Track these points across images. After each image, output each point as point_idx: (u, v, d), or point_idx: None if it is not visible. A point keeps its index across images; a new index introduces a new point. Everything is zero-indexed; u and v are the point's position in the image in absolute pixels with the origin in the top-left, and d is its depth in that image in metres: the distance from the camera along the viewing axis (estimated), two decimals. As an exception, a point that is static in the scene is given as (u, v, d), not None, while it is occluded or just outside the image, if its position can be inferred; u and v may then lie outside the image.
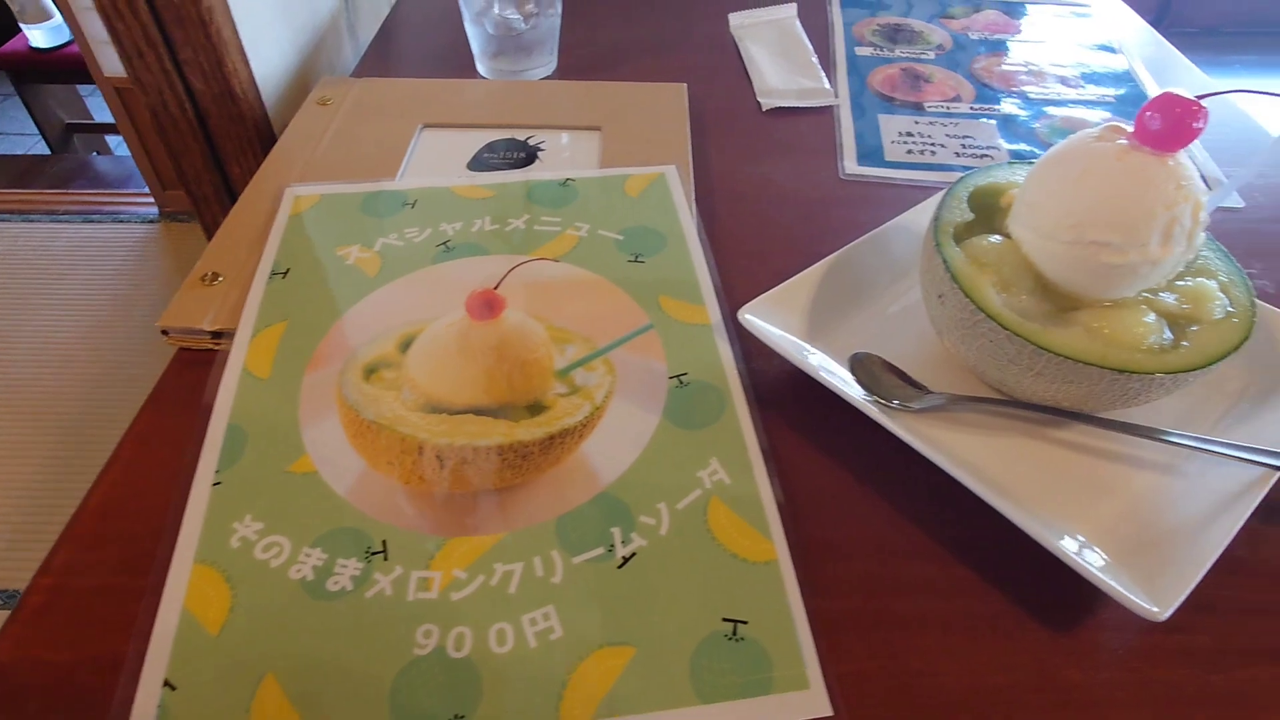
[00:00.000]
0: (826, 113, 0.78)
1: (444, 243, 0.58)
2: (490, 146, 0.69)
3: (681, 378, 0.49)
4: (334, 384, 0.48)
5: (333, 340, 0.51)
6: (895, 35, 0.90)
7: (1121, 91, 0.81)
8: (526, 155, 0.68)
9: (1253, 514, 0.40)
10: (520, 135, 0.71)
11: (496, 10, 0.76)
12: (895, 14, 0.95)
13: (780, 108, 0.78)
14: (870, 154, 0.72)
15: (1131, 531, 0.41)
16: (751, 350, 0.51)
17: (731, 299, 0.53)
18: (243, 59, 0.73)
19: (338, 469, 0.44)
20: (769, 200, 0.67)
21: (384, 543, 0.41)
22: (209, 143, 0.76)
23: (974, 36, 0.90)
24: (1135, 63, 0.86)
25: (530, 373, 0.49)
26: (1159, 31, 0.94)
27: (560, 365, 0.50)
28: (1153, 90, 0.82)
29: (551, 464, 0.45)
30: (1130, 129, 0.41)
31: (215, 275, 0.55)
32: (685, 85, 0.77)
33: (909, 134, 0.75)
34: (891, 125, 0.76)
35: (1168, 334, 0.42)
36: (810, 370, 0.46)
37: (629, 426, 0.46)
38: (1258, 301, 0.50)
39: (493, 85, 0.78)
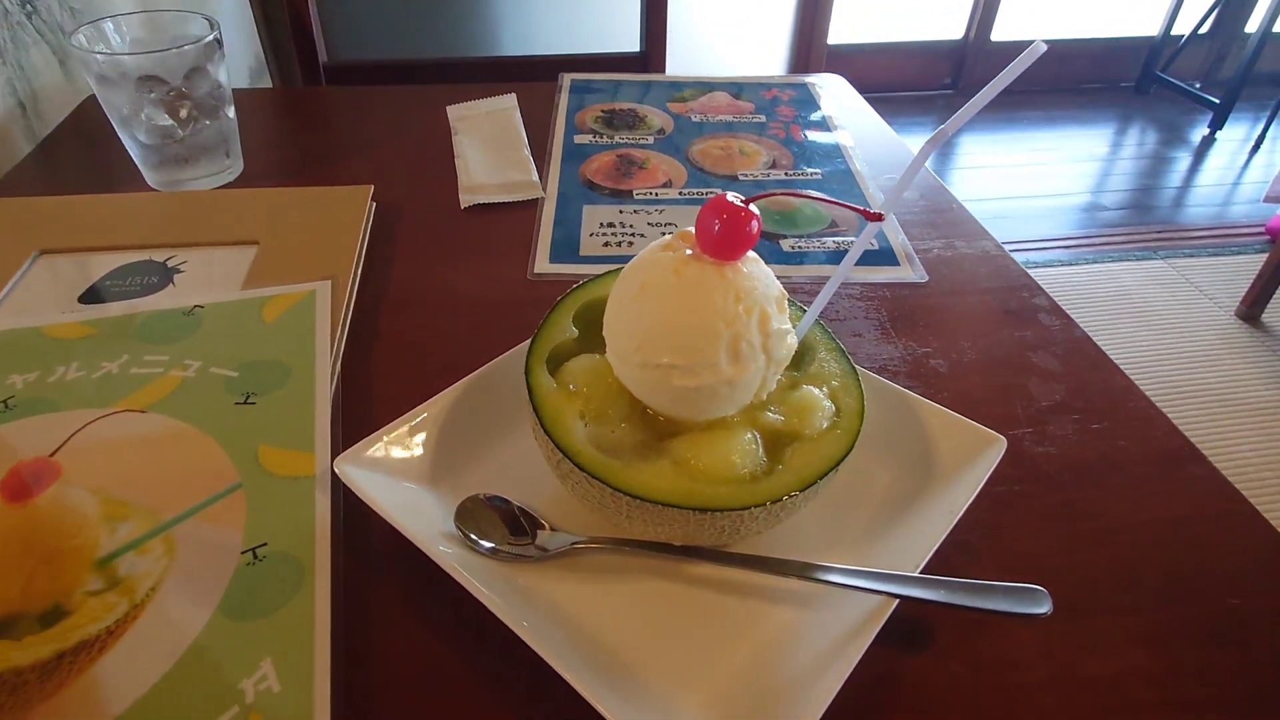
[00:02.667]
0: (531, 207, 0.74)
1: (6, 400, 0.48)
2: (117, 272, 0.60)
3: (258, 550, 0.41)
4: None
5: None
6: (615, 121, 0.88)
7: (830, 169, 0.82)
8: (159, 280, 0.60)
9: (888, 643, 0.35)
10: (159, 256, 0.62)
11: (145, 116, 0.68)
12: (627, 99, 0.94)
13: (484, 204, 0.73)
14: (565, 249, 0.68)
15: (746, 694, 0.36)
16: (365, 507, 0.43)
17: (356, 439, 0.46)
18: None
19: None
20: (447, 309, 0.61)
21: None
22: None
23: (695, 119, 0.90)
24: (844, 137, 0.87)
25: (59, 568, 0.40)
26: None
27: (103, 552, 0.40)
28: (857, 166, 0.82)
29: (48, 695, 0.35)
30: (700, 236, 0.38)
31: None
32: (371, 187, 0.71)
33: (610, 225, 0.71)
34: (595, 216, 0.72)
35: (762, 456, 0.38)
36: (401, 528, 0.39)
37: (169, 628, 0.38)
38: (904, 391, 0.47)
39: (136, 200, 0.69)
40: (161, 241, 0.63)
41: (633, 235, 0.70)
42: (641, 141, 0.85)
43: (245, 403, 0.49)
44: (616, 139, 0.85)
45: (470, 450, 0.46)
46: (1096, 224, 2.56)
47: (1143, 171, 2.90)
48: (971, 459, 0.44)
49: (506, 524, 0.42)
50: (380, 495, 0.41)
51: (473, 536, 0.40)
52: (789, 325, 0.38)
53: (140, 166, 0.73)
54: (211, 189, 0.73)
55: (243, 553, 0.41)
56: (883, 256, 0.68)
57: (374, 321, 0.59)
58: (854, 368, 0.43)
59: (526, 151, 0.81)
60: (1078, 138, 3.11)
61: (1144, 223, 2.58)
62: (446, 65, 1.39)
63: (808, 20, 2.75)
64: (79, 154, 0.79)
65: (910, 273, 0.66)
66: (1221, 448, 1.70)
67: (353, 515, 0.44)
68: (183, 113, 0.69)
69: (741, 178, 0.79)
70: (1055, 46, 3.02)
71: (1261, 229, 2.52)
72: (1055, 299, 0.64)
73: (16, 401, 0.48)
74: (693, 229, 0.38)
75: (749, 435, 0.38)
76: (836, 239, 0.70)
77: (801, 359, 0.43)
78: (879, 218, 0.34)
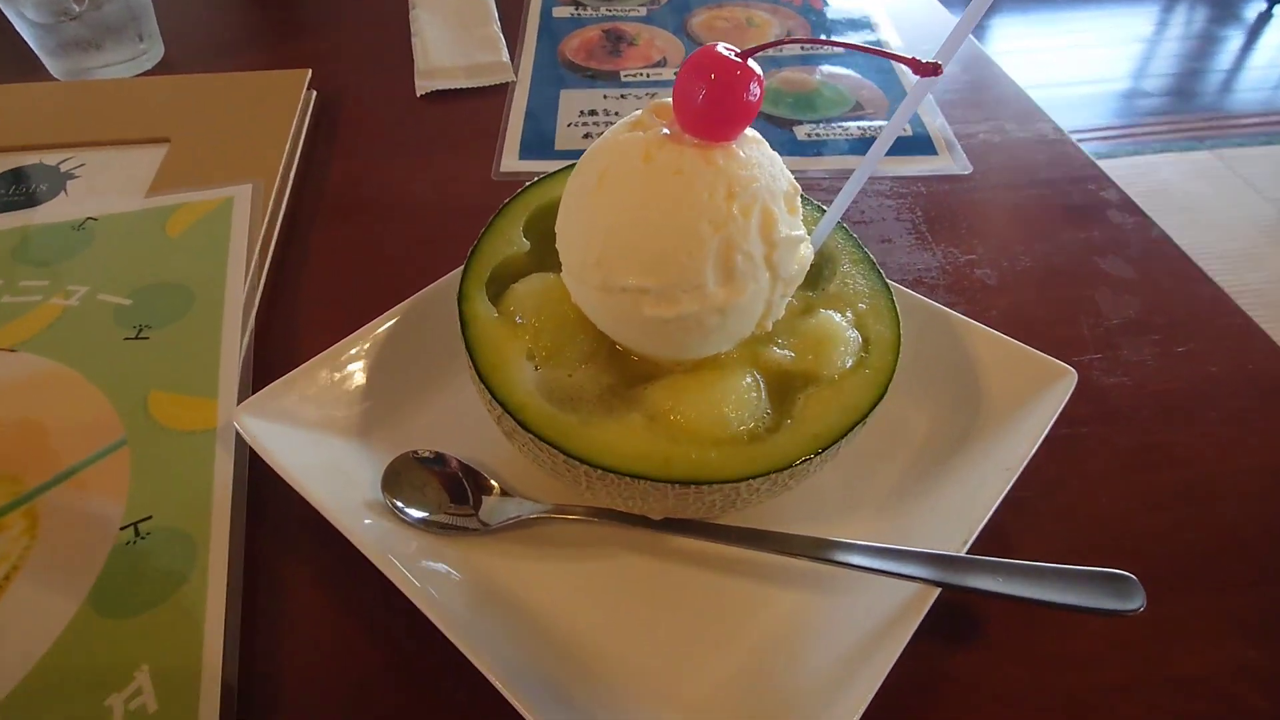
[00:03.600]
0: (500, 94, 0.62)
1: None
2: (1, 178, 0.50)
3: (140, 525, 0.33)
4: None
5: None
6: (600, -10, 0.75)
7: (866, 37, 0.69)
8: (48, 188, 0.50)
9: (927, 638, 0.27)
10: (52, 159, 0.52)
11: (32, -11, 0.57)
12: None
13: (444, 91, 0.62)
14: (538, 143, 0.57)
15: (743, 709, 0.28)
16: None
17: (269, 380, 0.38)
18: None
19: None
20: (395, 217, 0.51)
21: None
22: None
23: (694, -14, 0.76)
24: (874, 4, 0.74)
25: (-109, 552, 0.32)
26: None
27: (-50, 531, 0.33)
28: (893, 39, 0.70)
29: None
30: (682, 109, 0.27)
31: None
32: (307, 71, 0.60)
33: (593, 112, 0.60)
34: (574, 103, 0.61)
35: (766, 408, 0.29)
36: (309, 497, 0.31)
37: (21, 628, 0.30)
38: (945, 310, 0.38)
39: (25, 91, 0.58)
40: (54, 141, 0.53)
41: (618, 124, 0.58)
42: (633, 13, 0.72)
43: (137, 337, 0.40)
44: (603, 10, 0.72)
45: (407, 394, 0.37)
46: (1137, 112, 2.36)
47: (1189, 53, 2.66)
48: (1031, 397, 0.35)
49: (446, 488, 0.33)
50: (288, 455, 0.32)
51: (398, 504, 0.32)
52: (802, 230, 0.28)
53: (38, 53, 0.62)
54: (125, 78, 0.62)
55: (122, 528, 0.33)
56: (917, 144, 0.57)
57: (305, 234, 0.49)
58: (886, 284, 0.33)
59: (496, 27, 0.68)
60: (1120, 16, 2.85)
61: (1189, 110, 2.38)
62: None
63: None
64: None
65: (951, 163, 0.55)
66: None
67: (263, 478, 0.35)
68: (76, -18, 0.57)
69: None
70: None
71: (1323, 115, 2.32)
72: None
73: None
74: (670, 100, 0.28)
75: (748, 379, 0.29)
76: (862, 124, 0.59)
77: (819, 274, 0.34)
78: (934, 70, 0.24)
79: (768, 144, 0.29)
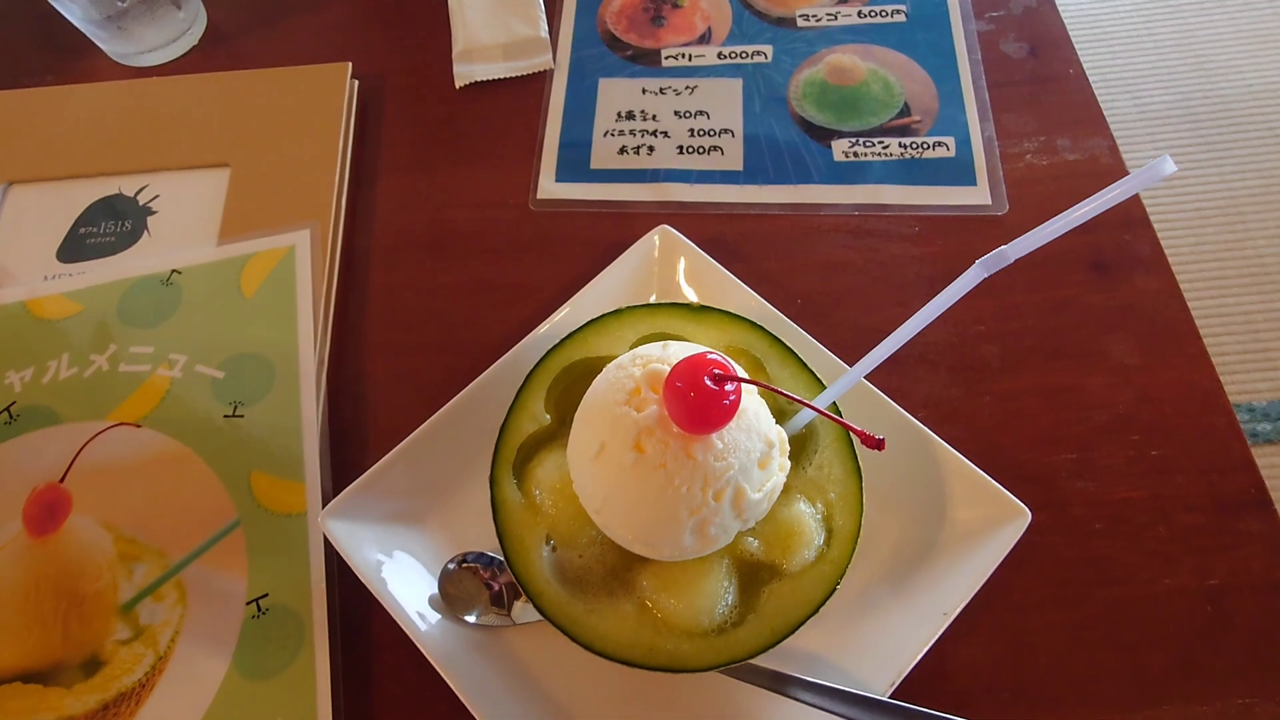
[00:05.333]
0: (538, 86, 0.62)
1: (7, 408, 0.49)
2: (90, 214, 0.56)
3: (260, 602, 0.43)
4: None
5: None
6: (647, -77, 0.69)
7: (919, 2, 0.63)
8: (133, 225, 0.55)
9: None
10: (129, 188, 0.57)
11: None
12: None
13: (482, 83, 0.62)
14: (575, 159, 0.58)
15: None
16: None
17: (350, 465, 0.46)
18: None
19: None
20: (440, 252, 0.55)
21: None
22: None
23: (754, -89, 0.69)
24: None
25: (89, 614, 0.43)
26: None
27: (126, 597, 0.44)
28: (953, 10, 0.63)
29: (100, 746, 0.41)
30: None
31: None
32: (348, 65, 0.60)
33: (629, 115, 0.60)
34: (611, 99, 0.60)
35: (732, 600, 0.36)
36: (384, 600, 0.40)
37: (192, 683, 0.42)
38: (929, 436, 0.42)
39: (92, 97, 0.60)
40: (129, 167, 0.57)
41: (655, 133, 0.58)
42: (679, -39, 0.67)
43: (234, 414, 0.48)
44: (648, -46, 0.67)
45: (457, 485, 0.45)
46: None
47: None
48: (988, 531, 0.41)
49: (489, 590, 0.42)
50: (364, 555, 0.41)
51: (453, 612, 0.41)
52: (776, 478, 0.33)
53: (83, 30, 0.63)
54: (173, 60, 0.63)
55: (247, 603, 0.43)
56: (957, 170, 0.56)
57: (361, 277, 0.54)
58: (859, 471, 0.38)
59: (535, -10, 0.65)
60: None
61: None
62: None
63: None
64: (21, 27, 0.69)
65: (987, 199, 0.54)
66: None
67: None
68: (115, -22, 0.57)
69: (801, 22, 0.63)
70: None
71: None
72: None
73: (19, 410, 0.48)
74: (665, 369, 0.31)
75: (721, 573, 0.36)
76: (904, 141, 0.57)
77: (804, 447, 0.38)
78: (879, 445, 0.27)
79: (755, 393, 0.33)
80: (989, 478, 0.41)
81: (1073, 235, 0.51)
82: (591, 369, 0.38)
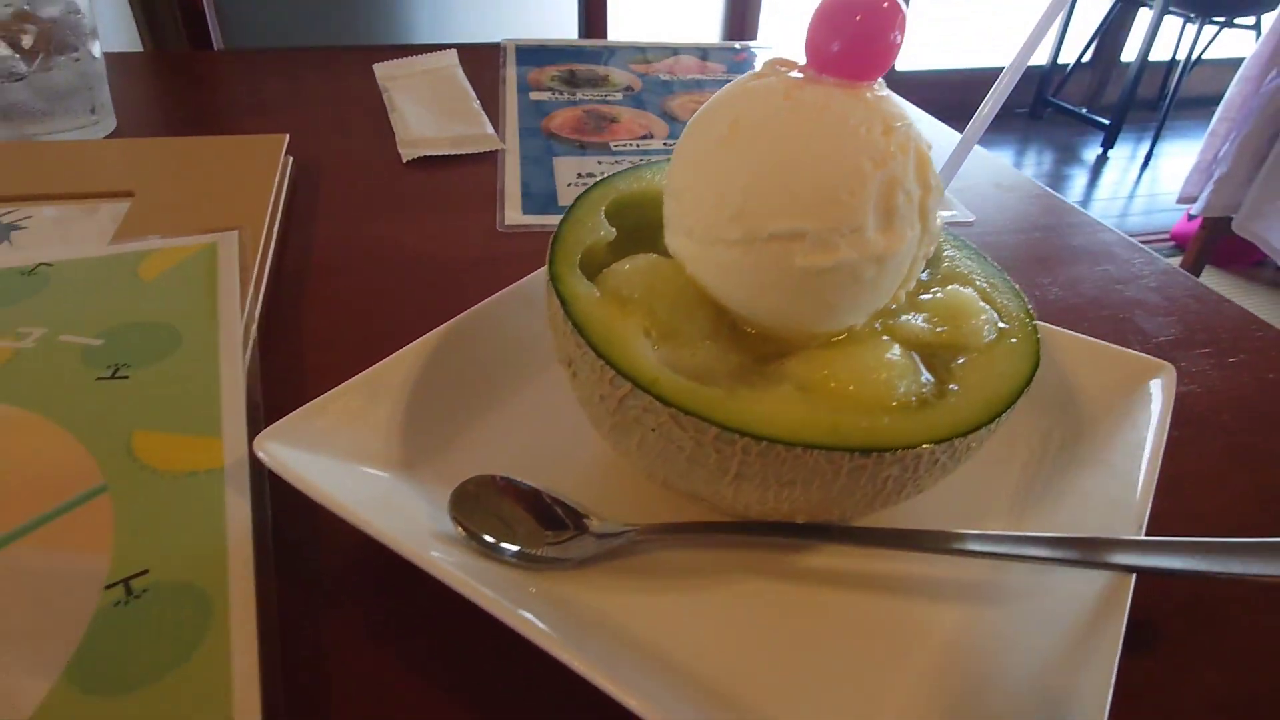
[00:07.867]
0: (489, 161, 0.61)
1: None
2: (-74, 230, 0.43)
3: (132, 582, 0.26)
4: None
5: None
6: (576, 78, 0.76)
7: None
8: (-12, 237, 0.43)
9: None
10: (-9, 211, 0.45)
11: (-24, 45, 0.52)
12: (585, 65, 0.82)
13: (430, 158, 0.60)
14: (540, 199, 0.55)
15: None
16: (301, 507, 0.28)
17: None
18: None
19: None
20: (395, 268, 0.47)
21: None
22: None
23: (665, 78, 0.79)
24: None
25: None
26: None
27: None
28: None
29: None
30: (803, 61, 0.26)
31: None
32: (285, 137, 0.56)
33: (590, 175, 0.59)
34: (568, 168, 0.60)
35: (925, 375, 0.26)
36: (367, 527, 0.25)
37: (-30, 720, 0.22)
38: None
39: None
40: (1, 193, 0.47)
41: (619, 185, 0.57)
42: (609, 98, 0.73)
43: (113, 377, 0.33)
44: (579, 95, 0.73)
45: (453, 420, 0.32)
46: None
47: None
48: (1135, 394, 0.33)
49: (535, 516, 0.28)
50: (330, 484, 0.26)
51: (487, 539, 0.26)
52: (935, 223, 0.26)
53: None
54: (78, 140, 0.57)
55: (108, 586, 0.25)
56: (913, 200, 0.58)
57: (297, 285, 0.44)
58: (996, 265, 0.31)
59: (476, 105, 0.68)
60: (979, 160, 3.19)
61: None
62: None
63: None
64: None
65: (956, 212, 0.56)
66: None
67: (288, 521, 0.29)
68: (25, 41, 0.53)
69: (729, 131, 0.69)
70: (954, 76, 3.10)
71: (1166, 236, 2.61)
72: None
73: None
74: (789, 59, 0.26)
75: (896, 347, 0.26)
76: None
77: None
78: None
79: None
80: (1113, 345, 0.35)
81: (1046, 234, 0.54)
82: (655, 195, 0.31)
